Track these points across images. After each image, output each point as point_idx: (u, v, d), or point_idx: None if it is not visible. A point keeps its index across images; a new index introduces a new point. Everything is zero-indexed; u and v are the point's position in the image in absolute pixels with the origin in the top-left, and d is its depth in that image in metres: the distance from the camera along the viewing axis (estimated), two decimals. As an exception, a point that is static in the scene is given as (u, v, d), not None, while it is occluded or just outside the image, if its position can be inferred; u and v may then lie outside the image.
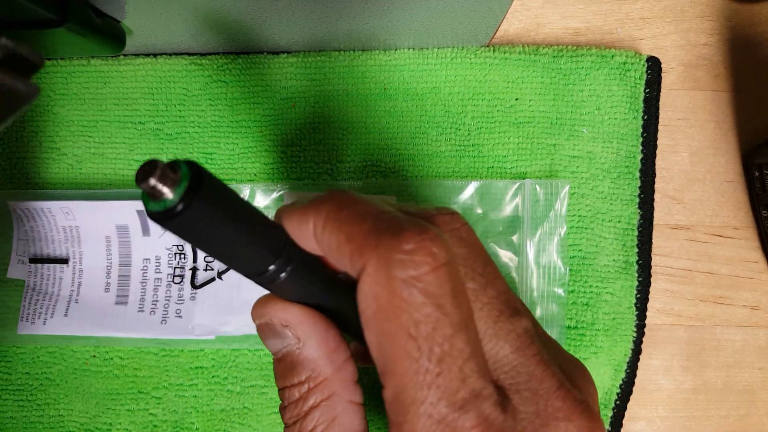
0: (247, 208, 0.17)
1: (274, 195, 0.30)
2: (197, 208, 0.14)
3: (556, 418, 0.17)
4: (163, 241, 0.29)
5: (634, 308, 0.30)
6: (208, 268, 0.29)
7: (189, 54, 0.30)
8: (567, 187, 0.30)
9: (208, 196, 0.15)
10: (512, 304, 0.18)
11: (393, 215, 0.17)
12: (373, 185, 0.30)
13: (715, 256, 0.32)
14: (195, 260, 0.29)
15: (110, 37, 0.26)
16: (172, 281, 0.29)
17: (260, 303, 0.20)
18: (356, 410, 0.19)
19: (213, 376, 0.29)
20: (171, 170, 0.14)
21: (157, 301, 0.29)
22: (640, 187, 0.31)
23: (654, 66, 0.31)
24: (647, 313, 0.31)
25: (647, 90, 0.31)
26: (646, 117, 0.31)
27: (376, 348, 0.16)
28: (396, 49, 0.30)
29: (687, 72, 0.32)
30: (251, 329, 0.29)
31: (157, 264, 0.29)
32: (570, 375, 0.18)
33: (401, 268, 0.16)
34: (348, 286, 0.19)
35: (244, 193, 0.29)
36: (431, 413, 0.15)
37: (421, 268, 0.16)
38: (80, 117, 0.30)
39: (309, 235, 0.18)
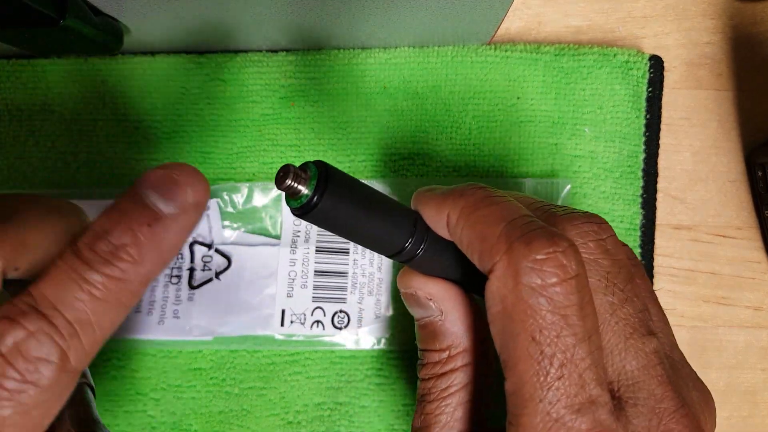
0: (376, 194, 0.19)
1: (273, 194, 0.29)
2: (329, 199, 0.16)
3: None
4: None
5: (636, 309, 0.30)
6: (206, 268, 0.29)
7: (187, 52, 0.30)
8: (568, 187, 0.30)
9: (337, 187, 0.17)
10: (646, 324, 0.19)
11: (527, 222, 0.18)
12: (373, 184, 0.30)
13: (718, 256, 0.32)
14: (192, 260, 0.29)
15: (108, 35, 0.25)
16: (170, 281, 0.29)
17: (406, 274, 0.22)
18: (486, 382, 0.21)
19: (211, 378, 0.29)
20: (302, 171, 0.16)
21: (154, 301, 0.29)
22: (642, 187, 0.30)
23: (656, 65, 0.30)
24: (649, 314, 0.31)
25: (650, 89, 0.30)
26: (648, 116, 0.30)
27: (499, 343, 0.17)
28: (396, 48, 0.30)
29: (689, 71, 0.32)
30: (250, 330, 0.29)
31: (155, 264, 0.29)
32: (691, 400, 0.19)
33: (529, 276, 0.16)
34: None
35: (243, 192, 0.29)
36: (549, 411, 0.16)
37: (548, 279, 0.16)
38: (78, 115, 0.30)
39: (443, 224, 0.19)
